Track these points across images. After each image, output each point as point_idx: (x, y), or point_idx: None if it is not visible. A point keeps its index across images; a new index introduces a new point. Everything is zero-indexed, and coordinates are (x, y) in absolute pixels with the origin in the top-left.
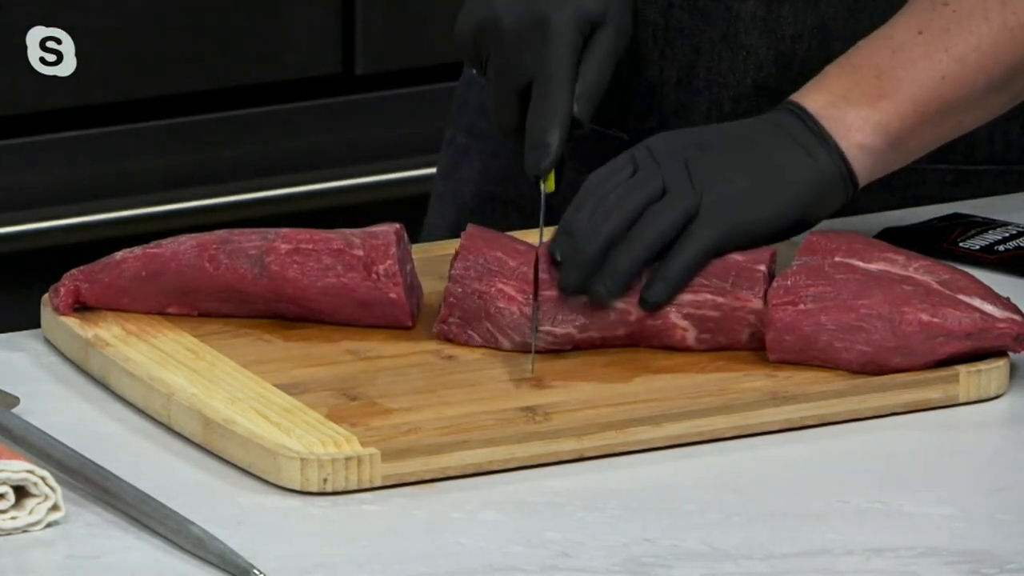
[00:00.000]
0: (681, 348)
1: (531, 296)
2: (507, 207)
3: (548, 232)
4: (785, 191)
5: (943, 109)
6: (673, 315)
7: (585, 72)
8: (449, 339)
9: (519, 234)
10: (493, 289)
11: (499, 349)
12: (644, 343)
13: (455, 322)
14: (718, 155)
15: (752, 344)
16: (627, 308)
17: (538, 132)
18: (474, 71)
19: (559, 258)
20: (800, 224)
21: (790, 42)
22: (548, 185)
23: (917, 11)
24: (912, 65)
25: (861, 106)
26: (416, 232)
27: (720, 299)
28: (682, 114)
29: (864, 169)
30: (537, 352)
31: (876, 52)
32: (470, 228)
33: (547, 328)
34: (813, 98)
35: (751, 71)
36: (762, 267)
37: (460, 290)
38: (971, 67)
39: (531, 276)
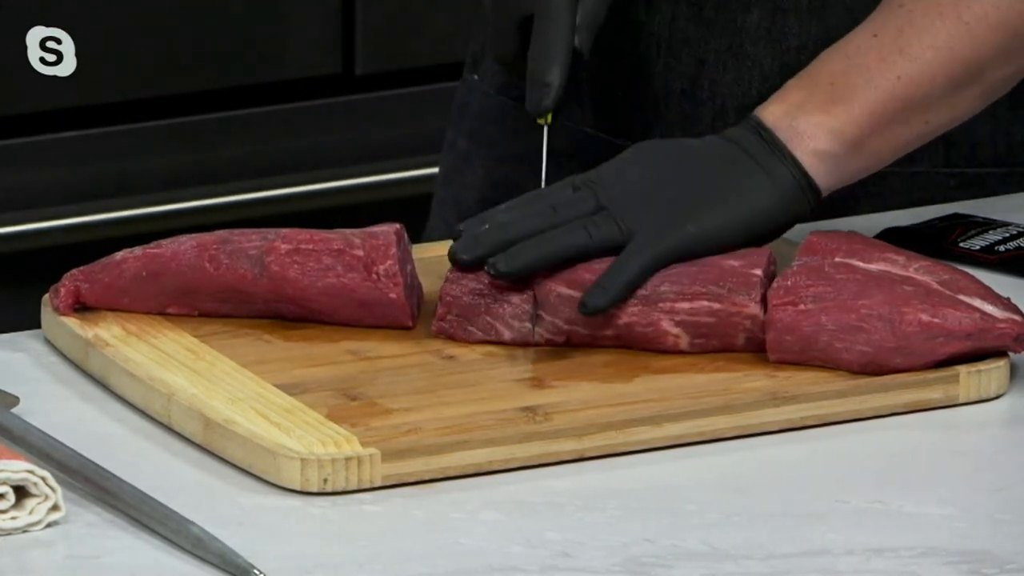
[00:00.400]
0: (673, 352)
1: (528, 287)
2: None
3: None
4: (733, 203)
5: (904, 109)
6: (665, 323)
7: (584, 2)
8: (448, 336)
9: None
10: (488, 285)
11: (500, 342)
12: (635, 347)
13: (453, 319)
14: (662, 174)
15: (748, 348)
16: (615, 312)
17: (539, 70)
18: (476, 77)
19: (461, 229)
20: (761, 234)
21: (795, 53)
22: (547, 117)
23: (875, 17)
24: (867, 69)
25: (815, 113)
26: (416, 232)
27: (716, 305)
28: (687, 125)
29: (824, 175)
30: (531, 345)
31: (832, 60)
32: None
33: (540, 313)
34: (770, 110)
35: (756, 82)
36: (758, 271)
37: (456, 288)
38: (928, 65)
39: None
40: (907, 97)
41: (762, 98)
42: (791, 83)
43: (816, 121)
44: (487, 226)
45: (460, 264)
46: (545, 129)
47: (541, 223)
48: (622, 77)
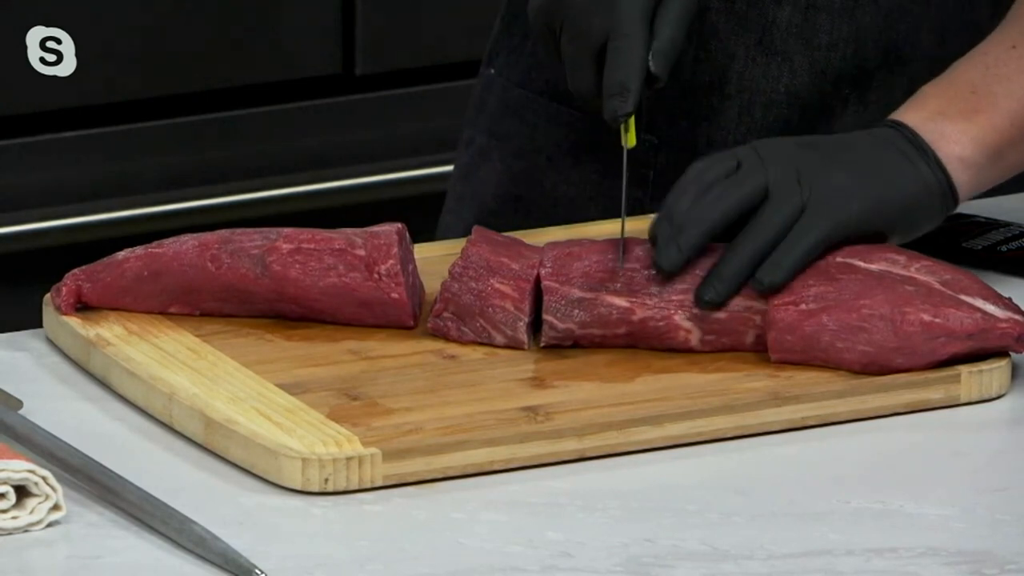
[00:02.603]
0: (683, 349)
1: (528, 294)
2: (530, 208)
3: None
4: (887, 188)
5: None
6: (678, 317)
7: (660, 28)
8: (443, 334)
9: (538, 232)
10: (489, 287)
11: (492, 345)
12: (644, 344)
13: (449, 317)
14: (822, 154)
15: (757, 347)
16: (631, 308)
17: (615, 80)
18: (492, 72)
19: (659, 241)
20: (902, 226)
21: (825, 51)
22: (629, 139)
23: (1011, 28)
24: (1007, 79)
25: (958, 120)
26: (417, 232)
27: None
28: (712, 119)
29: (964, 182)
30: (533, 347)
31: (971, 68)
32: (478, 231)
33: (550, 320)
34: (911, 115)
35: (784, 78)
36: None
37: (456, 286)
38: None
39: (532, 276)
40: None
41: (790, 94)
42: (927, 89)
43: (961, 128)
44: (674, 222)
45: (668, 270)
46: (624, 152)
47: (723, 211)
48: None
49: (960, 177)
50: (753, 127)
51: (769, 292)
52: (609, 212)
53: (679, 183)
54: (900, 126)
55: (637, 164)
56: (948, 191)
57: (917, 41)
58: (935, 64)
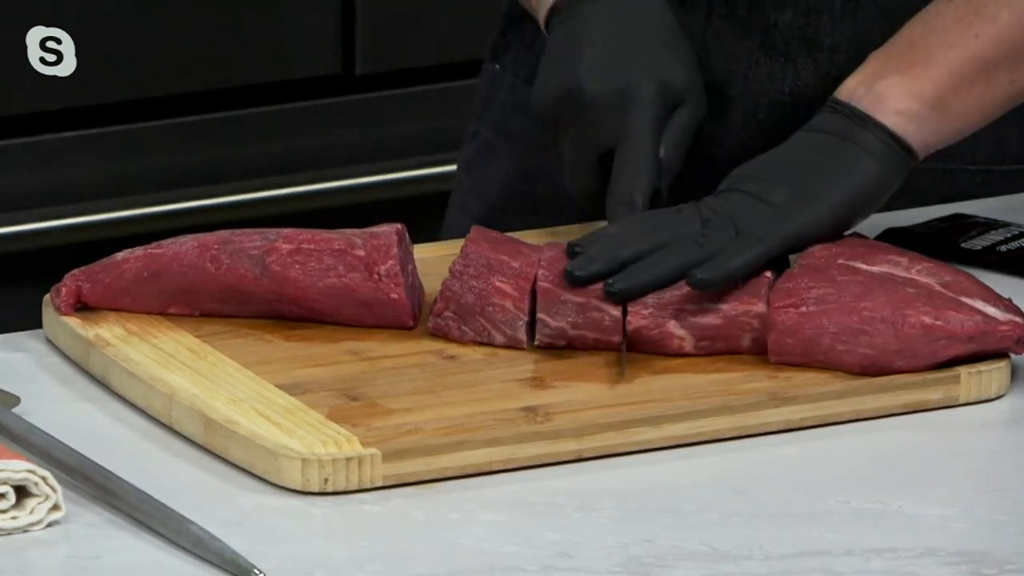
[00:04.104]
0: (678, 355)
1: (528, 293)
2: (539, 204)
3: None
4: (835, 188)
5: (985, 68)
6: (671, 325)
7: (666, 145)
8: (444, 333)
9: (539, 232)
10: (490, 286)
11: (492, 344)
12: (639, 350)
13: (450, 316)
14: (754, 183)
15: (754, 350)
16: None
17: (625, 190)
18: (498, 67)
19: (577, 250)
20: (867, 206)
21: (828, 52)
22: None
23: None
24: (944, 30)
25: (893, 76)
26: (417, 232)
27: (724, 306)
28: (718, 120)
29: (913, 134)
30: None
31: (910, 27)
32: (475, 230)
33: (543, 317)
34: (847, 85)
35: (789, 80)
36: (767, 272)
37: (457, 285)
38: (1006, 24)
39: (531, 275)
40: (986, 56)
41: (794, 96)
42: (869, 56)
43: (893, 83)
44: (599, 244)
45: (575, 282)
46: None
47: (653, 241)
48: None
49: (905, 130)
50: (759, 128)
51: (702, 289)
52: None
53: (614, 221)
54: (834, 103)
55: None
56: (898, 148)
57: None
58: None
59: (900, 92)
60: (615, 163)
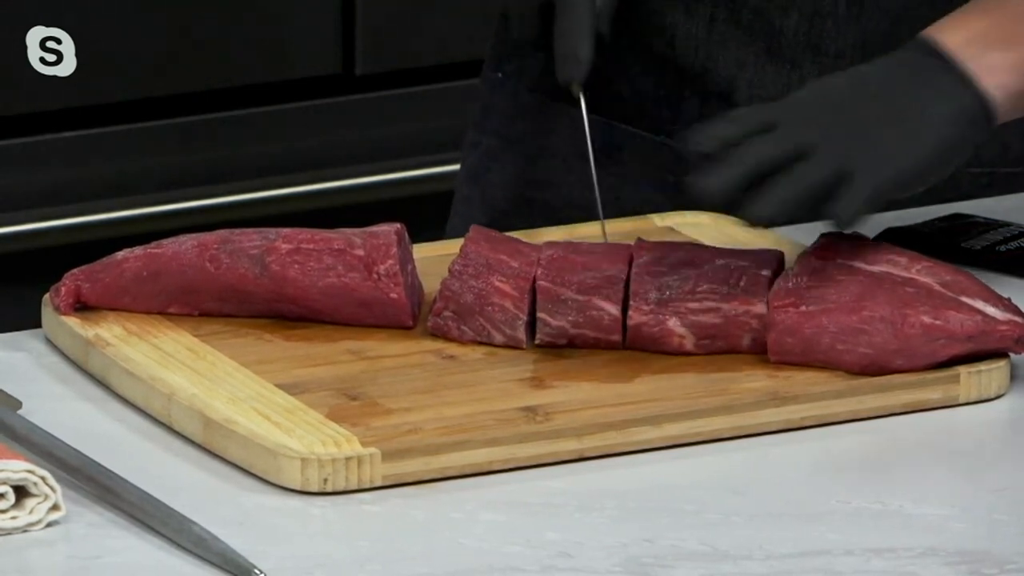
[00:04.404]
0: (679, 354)
1: (527, 292)
2: (544, 210)
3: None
4: (930, 137)
5: None
6: (671, 323)
7: None
8: (443, 333)
9: (538, 232)
10: (489, 286)
11: (491, 344)
12: (639, 348)
13: (449, 316)
14: (861, 110)
15: (753, 349)
16: (627, 314)
17: (568, 46)
18: (500, 75)
19: (706, 148)
20: (945, 166)
21: (833, 58)
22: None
23: None
24: None
25: (998, 46)
26: (417, 232)
27: (724, 305)
28: None
29: (1002, 107)
30: (523, 349)
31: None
32: (474, 229)
33: (543, 317)
34: (951, 36)
35: (794, 84)
36: (767, 272)
37: (457, 285)
38: None
39: (531, 274)
40: None
41: None
42: (970, 9)
43: (1000, 56)
44: (729, 160)
45: (710, 202)
46: (582, 99)
47: (775, 153)
48: (661, 78)
49: (998, 103)
50: None
51: (845, 227)
52: (624, 216)
53: (730, 113)
54: (938, 51)
55: (656, 169)
56: (986, 117)
57: None
58: None
59: (1007, 65)
60: (556, 15)
